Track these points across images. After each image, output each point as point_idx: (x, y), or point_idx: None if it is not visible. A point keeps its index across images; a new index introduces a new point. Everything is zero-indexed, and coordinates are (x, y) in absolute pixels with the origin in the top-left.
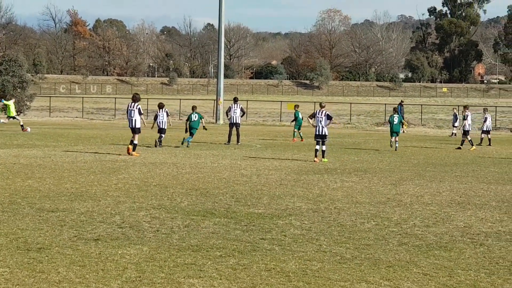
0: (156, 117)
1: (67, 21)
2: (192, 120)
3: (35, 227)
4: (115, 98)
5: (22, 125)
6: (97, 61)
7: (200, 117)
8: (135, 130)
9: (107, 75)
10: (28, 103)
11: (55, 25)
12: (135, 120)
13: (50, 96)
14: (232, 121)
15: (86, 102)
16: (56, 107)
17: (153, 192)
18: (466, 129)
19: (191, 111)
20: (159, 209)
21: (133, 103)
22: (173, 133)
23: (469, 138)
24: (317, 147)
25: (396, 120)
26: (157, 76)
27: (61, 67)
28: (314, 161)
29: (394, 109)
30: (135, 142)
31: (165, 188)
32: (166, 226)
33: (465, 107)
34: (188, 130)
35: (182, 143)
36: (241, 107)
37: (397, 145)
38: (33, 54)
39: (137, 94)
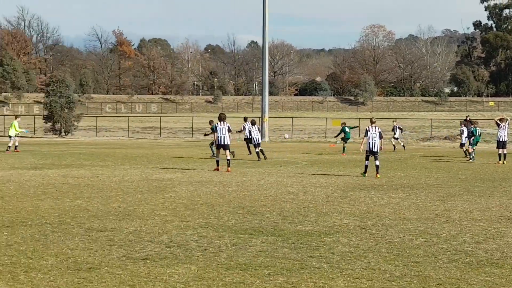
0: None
1: (112, 42)
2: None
3: (84, 246)
4: (160, 116)
5: (11, 146)
6: (142, 80)
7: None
8: (225, 147)
9: (152, 94)
10: (75, 123)
11: (101, 46)
12: (225, 137)
13: (96, 116)
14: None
15: (131, 121)
16: (102, 126)
17: (200, 210)
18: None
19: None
20: (206, 228)
21: (222, 122)
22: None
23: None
24: (367, 162)
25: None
26: (202, 94)
27: (107, 86)
28: (363, 175)
29: (468, 122)
30: (228, 158)
31: (212, 207)
32: (213, 244)
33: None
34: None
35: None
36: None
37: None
38: (80, 74)
39: (223, 113)
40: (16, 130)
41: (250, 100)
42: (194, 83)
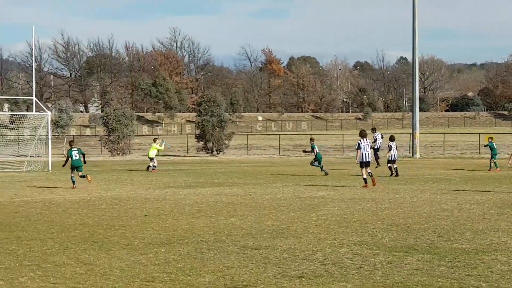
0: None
1: (262, 60)
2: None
3: (240, 264)
4: (310, 134)
5: (150, 166)
6: (292, 98)
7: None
8: (368, 164)
9: (302, 111)
10: (226, 142)
11: (251, 64)
12: (369, 154)
13: (247, 134)
14: (363, 160)
15: (282, 139)
16: (253, 145)
17: (353, 228)
18: None
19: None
20: (360, 245)
21: (364, 139)
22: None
23: None
24: None
25: None
26: (351, 111)
27: (257, 105)
28: None
29: None
30: (370, 171)
31: (365, 224)
32: (368, 262)
33: None
34: None
35: None
36: (370, 143)
37: None
38: (230, 93)
39: (363, 130)
40: (158, 149)
41: (400, 117)
42: (343, 100)
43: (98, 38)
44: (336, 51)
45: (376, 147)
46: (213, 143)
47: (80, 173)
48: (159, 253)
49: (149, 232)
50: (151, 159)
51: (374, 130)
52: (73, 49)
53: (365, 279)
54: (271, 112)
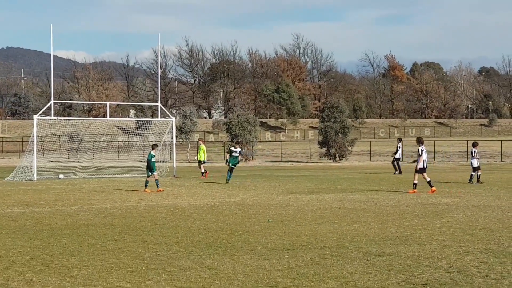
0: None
1: (385, 66)
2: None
3: (363, 271)
4: (434, 140)
5: (202, 172)
6: (415, 104)
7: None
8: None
9: (425, 117)
10: (349, 148)
11: (373, 71)
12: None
13: (370, 141)
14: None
15: (405, 145)
16: (376, 151)
17: (479, 236)
18: None
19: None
20: (486, 254)
21: (421, 145)
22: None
23: None
24: None
25: None
26: (476, 118)
27: (380, 111)
28: None
29: None
30: (428, 179)
31: (491, 232)
32: (495, 271)
33: None
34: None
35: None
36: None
37: None
38: (353, 99)
39: (420, 137)
40: (204, 153)
41: None
42: (468, 106)
43: (222, 45)
44: (460, 56)
45: (398, 156)
46: (335, 149)
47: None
48: (283, 259)
49: (272, 238)
50: (202, 162)
51: (399, 140)
52: (197, 55)
53: (492, 287)
54: (394, 119)
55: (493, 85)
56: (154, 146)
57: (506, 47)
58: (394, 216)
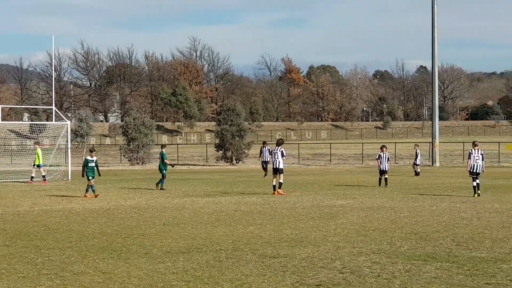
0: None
1: (281, 69)
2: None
3: (258, 273)
4: (330, 143)
5: (43, 176)
6: (311, 107)
7: None
8: (278, 171)
9: (322, 120)
10: (246, 151)
11: (270, 74)
12: (279, 162)
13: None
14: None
15: (301, 148)
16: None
17: (372, 236)
18: None
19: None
20: (379, 254)
21: (277, 147)
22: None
23: None
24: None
25: None
26: (371, 120)
27: (277, 114)
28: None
29: None
30: (281, 181)
31: (384, 233)
32: (387, 271)
33: None
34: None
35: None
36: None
37: None
38: (250, 102)
39: (281, 139)
40: (40, 159)
41: (420, 126)
42: (363, 109)
43: (118, 48)
44: (355, 60)
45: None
46: (232, 152)
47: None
48: (178, 262)
49: (167, 241)
50: (37, 166)
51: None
52: (93, 58)
53: (383, 287)
54: (290, 121)
55: (387, 88)
56: (91, 150)
57: (399, 51)
58: (289, 218)
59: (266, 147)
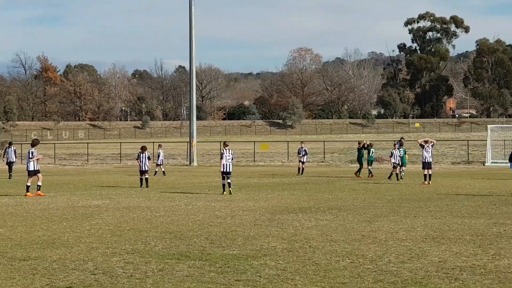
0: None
1: (37, 68)
2: None
3: (6, 276)
4: (88, 143)
5: None
6: (69, 106)
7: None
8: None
9: (79, 120)
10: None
11: (25, 72)
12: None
13: (21, 143)
14: (224, 170)
15: (58, 148)
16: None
17: (126, 236)
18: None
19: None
20: (133, 254)
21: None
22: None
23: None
24: (223, 182)
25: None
26: (130, 120)
27: (32, 113)
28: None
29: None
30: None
31: (139, 232)
32: (140, 271)
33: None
34: None
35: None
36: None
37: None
38: (4, 101)
39: (36, 139)
40: None
41: (179, 125)
42: (122, 109)
43: None
44: (114, 59)
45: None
46: None
47: None
48: None
49: None
50: None
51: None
52: None
53: (135, 287)
54: (47, 121)
55: (146, 88)
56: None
57: (158, 50)
58: (42, 220)
59: (12, 147)
